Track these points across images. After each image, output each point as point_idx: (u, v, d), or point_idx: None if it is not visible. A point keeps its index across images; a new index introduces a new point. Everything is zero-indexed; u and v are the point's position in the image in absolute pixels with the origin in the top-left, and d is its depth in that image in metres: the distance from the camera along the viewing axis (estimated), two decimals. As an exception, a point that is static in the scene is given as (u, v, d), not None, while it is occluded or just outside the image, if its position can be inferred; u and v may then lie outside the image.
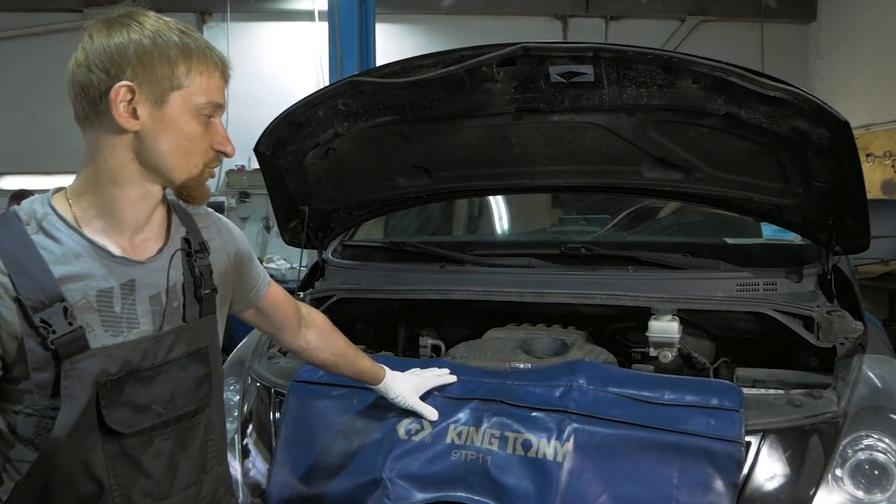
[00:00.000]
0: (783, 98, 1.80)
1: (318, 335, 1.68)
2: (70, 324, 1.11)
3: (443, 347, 2.60)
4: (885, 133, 6.77)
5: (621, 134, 2.10)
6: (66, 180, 1.24)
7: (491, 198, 3.49)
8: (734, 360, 2.38)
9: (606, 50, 1.83)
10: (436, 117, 2.18)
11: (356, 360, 1.75)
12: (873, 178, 6.88)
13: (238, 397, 2.27)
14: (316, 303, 2.62)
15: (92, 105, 1.15)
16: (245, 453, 2.13)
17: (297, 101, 2.21)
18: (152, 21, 1.16)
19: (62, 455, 1.13)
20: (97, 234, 1.19)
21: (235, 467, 2.11)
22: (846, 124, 1.79)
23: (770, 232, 2.54)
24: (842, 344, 2.06)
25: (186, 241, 1.31)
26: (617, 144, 2.15)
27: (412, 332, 2.75)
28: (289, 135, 2.29)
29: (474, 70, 1.96)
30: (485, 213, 3.70)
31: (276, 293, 1.58)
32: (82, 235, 1.17)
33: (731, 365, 2.37)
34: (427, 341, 2.63)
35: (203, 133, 1.21)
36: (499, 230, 3.54)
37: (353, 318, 2.77)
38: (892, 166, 6.70)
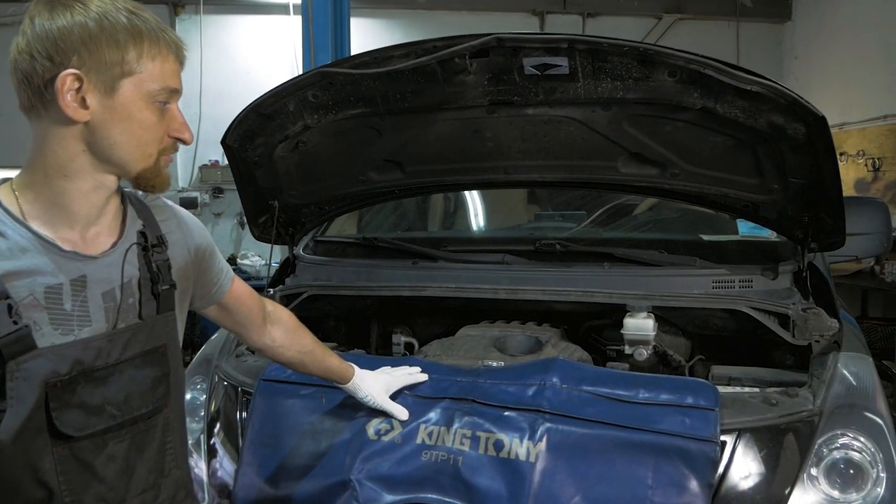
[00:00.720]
0: (760, 92, 1.77)
1: (284, 332, 1.62)
2: (15, 322, 1.05)
3: (416, 345, 2.56)
4: (858, 132, 6.83)
5: (596, 128, 2.07)
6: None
7: (466, 194, 3.45)
8: (710, 358, 2.36)
9: (581, 42, 1.79)
10: (408, 110, 2.13)
11: (324, 358, 1.70)
12: (847, 176, 6.94)
13: (204, 396, 2.21)
14: (286, 299, 2.57)
15: (37, 94, 1.08)
16: (212, 454, 2.08)
17: (265, 91, 2.15)
18: (97, 2, 1.08)
19: (7, 460, 1.06)
20: (45, 227, 1.13)
21: (201, 468, 2.06)
22: (823, 119, 1.77)
23: (746, 229, 2.53)
24: (817, 342, 2.04)
25: (143, 234, 1.25)
26: (592, 139, 2.11)
27: (385, 330, 2.71)
28: (258, 127, 2.23)
29: (447, 61, 1.91)
30: (460, 209, 3.67)
31: (240, 289, 1.52)
32: (29, 229, 1.11)
33: (707, 362, 2.35)
34: (400, 339, 2.59)
35: (158, 121, 1.15)
36: (474, 226, 3.50)
37: (324, 315, 2.72)
38: (866, 165, 6.76)
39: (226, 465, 2.03)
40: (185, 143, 1.21)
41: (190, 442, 2.12)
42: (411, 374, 1.87)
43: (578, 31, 7.48)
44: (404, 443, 1.75)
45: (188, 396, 2.23)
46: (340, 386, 1.77)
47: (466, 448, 1.70)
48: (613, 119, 2.03)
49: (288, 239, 2.72)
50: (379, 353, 2.69)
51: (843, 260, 2.60)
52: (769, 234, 2.49)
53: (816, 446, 1.69)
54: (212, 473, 2.03)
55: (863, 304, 6.71)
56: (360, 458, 1.75)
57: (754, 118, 1.87)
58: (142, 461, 1.22)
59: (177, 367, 1.29)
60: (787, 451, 1.69)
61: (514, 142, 2.20)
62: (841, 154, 6.96)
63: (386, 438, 1.77)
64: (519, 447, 1.67)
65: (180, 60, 1.17)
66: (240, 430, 2.04)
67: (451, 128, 2.20)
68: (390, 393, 1.81)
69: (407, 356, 1.99)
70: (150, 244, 1.25)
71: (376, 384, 1.78)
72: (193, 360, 2.39)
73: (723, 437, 1.65)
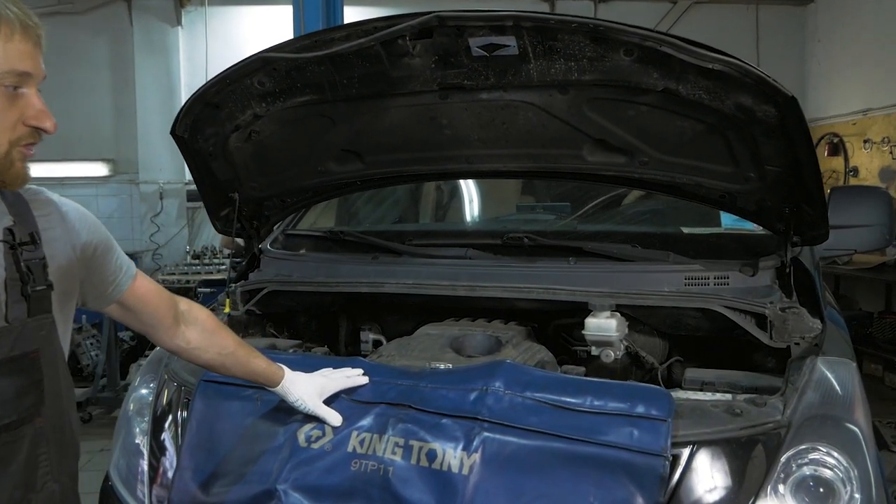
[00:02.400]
0: (722, 70, 1.61)
1: (200, 333, 1.52)
2: None
3: (384, 342, 2.45)
4: (883, 118, 6.54)
5: (556, 113, 1.93)
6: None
7: (462, 184, 3.32)
8: (688, 360, 2.21)
9: (527, 19, 1.65)
10: (357, 96, 2.01)
11: (248, 360, 1.60)
12: (871, 165, 6.65)
13: (152, 396, 2.12)
14: (248, 295, 2.48)
15: None
16: (155, 455, 1.99)
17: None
18: None
19: None
20: None
21: (143, 470, 1.97)
22: (793, 100, 1.61)
23: (730, 221, 2.36)
24: (797, 344, 1.88)
25: (10, 231, 1.15)
26: (553, 125, 1.97)
27: (354, 326, 2.60)
28: (206, 116, 2.14)
29: (390, 43, 1.79)
30: (454, 199, 3.54)
31: (144, 287, 1.42)
32: None
33: (685, 364, 2.20)
34: (369, 336, 2.50)
35: (7, 107, 1.05)
36: (468, 218, 3.36)
37: (291, 311, 2.62)
38: (891, 153, 6.46)
39: (169, 468, 1.94)
40: (46, 132, 1.10)
41: (137, 442, 2.05)
42: (350, 377, 1.75)
43: (590, 16, 7.26)
44: (334, 450, 1.64)
45: (139, 393, 2.15)
46: (270, 389, 1.67)
47: (398, 458, 1.58)
48: (573, 103, 1.89)
49: (253, 233, 2.63)
50: (348, 351, 2.60)
51: (842, 253, 2.43)
52: (754, 227, 2.32)
53: (782, 462, 1.53)
54: (154, 478, 1.94)
55: (887, 297, 6.44)
56: (289, 466, 1.64)
57: (720, 100, 1.71)
58: (5, 475, 1.12)
59: (54, 374, 1.19)
60: (748, 466, 1.53)
61: (473, 129, 2.07)
62: (865, 141, 6.67)
63: (316, 445, 1.66)
64: (452, 458, 1.54)
65: (33, 41, 1.06)
66: (181, 432, 1.95)
67: (406, 115, 2.07)
68: (325, 397, 1.70)
69: (350, 357, 1.88)
70: (19, 241, 1.15)
71: (308, 388, 1.67)
72: (148, 357, 2.32)
73: (675, 451, 1.51)
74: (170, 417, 2.02)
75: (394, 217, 3.57)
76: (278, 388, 1.65)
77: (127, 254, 1.42)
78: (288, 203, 2.54)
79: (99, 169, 7.39)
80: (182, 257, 6.99)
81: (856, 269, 5.94)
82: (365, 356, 2.26)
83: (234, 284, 2.51)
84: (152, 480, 1.95)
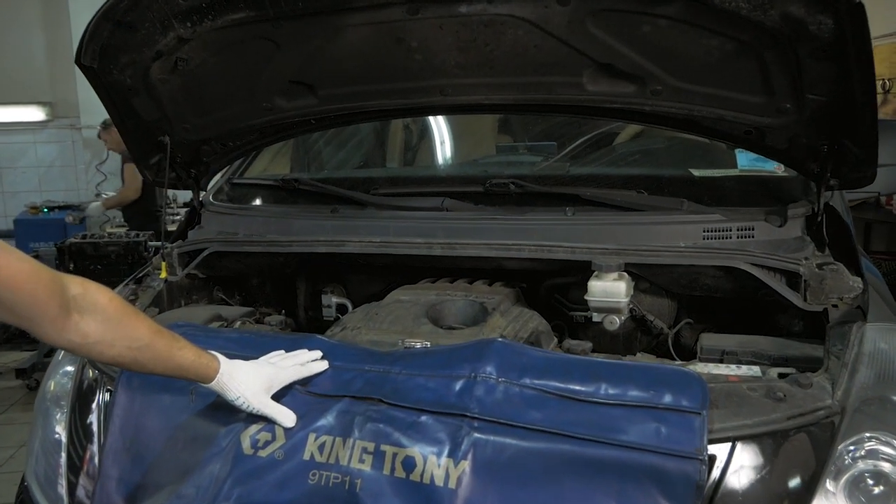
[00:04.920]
0: (772, -30, 1.26)
1: (101, 323, 1.16)
2: None
3: (349, 307, 2.13)
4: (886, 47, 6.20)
5: (552, 31, 1.56)
6: None
7: (433, 123, 2.93)
8: (699, 321, 1.92)
9: None
10: (305, 12, 1.62)
11: (170, 352, 1.25)
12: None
13: (71, 384, 1.78)
14: (187, 257, 2.12)
15: None
16: (78, 454, 1.66)
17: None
18: None
19: None
20: None
21: (62, 472, 1.65)
22: (859, 7, 1.27)
23: (746, 161, 2.03)
24: (835, 306, 1.59)
25: None
26: (548, 46, 1.61)
27: (315, 289, 2.26)
28: (119, 40, 1.73)
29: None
30: (424, 141, 3.15)
31: (11, 267, 1.05)
32: None
33: (696, 327, 1.91)
34: (331, 300, 2.19)
35: None
36: (440, 162, 2.98)
37: (240, 274, 2.27)
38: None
39: (86, 475, 1.62)
40: None
41: (55, 438, 1.72)
42: (305, 364, 1.42)
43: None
44: (287, 459, 1.31)
45: (56, 380, 1.81)
46: (204, 386, 1.33)
47: (367, 467, 1.26)
48: (574, 17, 1.52)
49: (191, 183, 2.25)
50: (309, 317, 2.26)
51: (864, 197, 2.14)
52: (775, 168, 2.00)
53: (836, 454, 1.26)
54: (71, 486, 1.62)
55: (866, 237, 6.27)
56: (232, 479, 1.32)
57: (763, 10, 1.36)
58: None
59: None
60: (798, 464, 1.25)
61: (449, 53, 1.69)
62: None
63: (264, 453, 1.33)
64: (435, 467, 1.23)
65: None
66: (103, 432, 1.61)
67: (366, 36, 1.69)
68: (274, 390, 1.37)
69: (306, 335, 1.55)
70: None
71: (252, 381, 1.34)
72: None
73: (712, 449, 1.22)
74: (93, 411, 1.69)
75: (358, 162, 3.18)
76: (213, 385, 1.31)
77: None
78: (230, 147, 2.15)
79: (35, 113, 6.81)
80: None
81: (834, 207, 5.71)
82: (328, 324, 1.92)
83: (169, 244, 2.15)
84: (73, 485, 1.63)
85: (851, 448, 1.26)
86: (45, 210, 6.14)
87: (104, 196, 5.83)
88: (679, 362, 1.63)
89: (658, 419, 1.22)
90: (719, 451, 1.23)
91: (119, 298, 1.20)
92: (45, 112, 6.82)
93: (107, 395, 1.66)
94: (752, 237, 1.71)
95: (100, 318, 1.16)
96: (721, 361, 1.59)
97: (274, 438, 1.34)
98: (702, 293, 1.79)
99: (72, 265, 4.90)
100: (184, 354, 1.26)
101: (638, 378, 1.29)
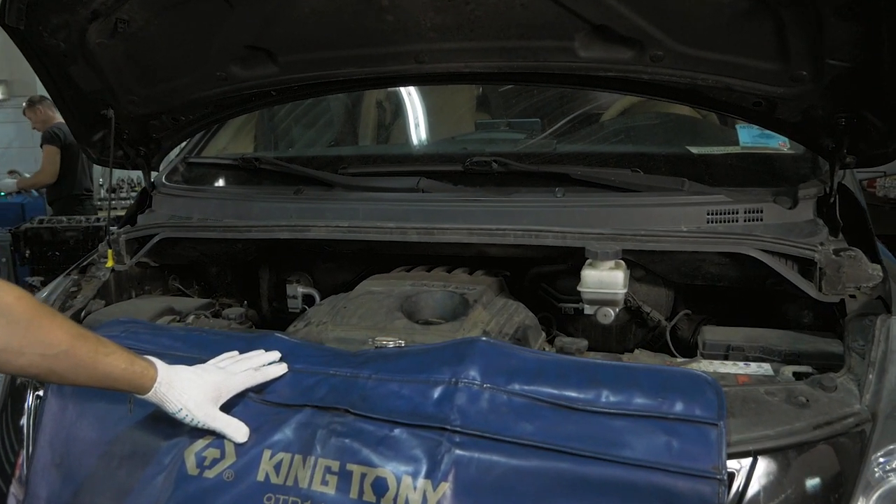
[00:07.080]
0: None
1: (5, 327, 0.97)
2: None
3: (316, 297, 1.96)
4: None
5: (542, -13, 1.38)
6: None
7: (405, 98, 2.72)
8: (696, 311, 1.76)
9: None
10: (260, -36, 1.42)
11: (94, 360, 1.06)
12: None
13: (2, 389, 1.58)
14: (136, 244, 1.92)
15: None
16: (1, 465, 1.47)
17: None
18: None
19: None
20: None
21: None
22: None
23: (748, 137, 1.87)
24: (852, 296, 1.44)
25: None
26: (536, 5, 1.42)
27: (279, 278, 2.07)
28: (48, -1, 1.52)
29: None
30: (398, 119, 2.94)
31: None
32: None
33: (694, 318, 1.75)
34: (297, 290, 2.01)
35: None
36: (414, 140, 2.79)
37: (197, 262, 2.07)
38: None
39: (17, 482, 1.43)
40: None
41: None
42: (259, 369, 1.23)
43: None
44: (238, 480, 1.13)
45: None
46: (140, 397, 1.14)
47: (330, 490, 1.09)
48: (567, -29, 1.34)
49: (141, 162, 2.04)
50: (273, 308, 2.07)
51: (871, 176, 2.00)
52: (780, 144, 1.84)
53: (869, 467, 1.10)
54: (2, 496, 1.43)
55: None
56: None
57: (783, -39, 1.19)
58: None
59: None
60: (826, 480, 1.10)
61: (425, 14, 1.50)
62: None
63: (212, 473, 1.15)
64: (411, 490, 1.06)
65: None
66: (31, 443, 1.41)
67: (332, -5, 1.49)
68: (223, 400, 1.18)
69: (262, 333, 1.36)
70: None
71: (196, 390, 1.15)
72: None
73: (731, 465, 1.06)
74: (25, 413, 1.49)
75: (328, 141, 2.97)
76: (150, 396, 1.12)
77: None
78: (183, 122, 1.95)
79: (-11, 92, 6.52)
80: (94, 191, 6.22)
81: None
82: (295, 317, 1.74)
83: (116, 230, 1.94)
84: (1, 493, 1.44)
85: (882, 460, 1.11)
86: (1, 194, 5.84)
87: (19, 176, 5.55)
88: (681, 360, 1.47)
89: (668, 431, 1.05)
90: (738, 467, 1.07)
91: (29, 297, 1.00)
92: (0, 90, 6.51)
93: (37, 401, 1.46)
94: (761, 220, 1.55)
95: (3, 321, 0.96)
96: (726, 358, 1.44)
97: (223, 456, 1.15)
98: (704, 282, 1.63)
99: (28, 252, 4.64)
100: (112, 361, 1.07)
101: (643, 382, 1.13)
